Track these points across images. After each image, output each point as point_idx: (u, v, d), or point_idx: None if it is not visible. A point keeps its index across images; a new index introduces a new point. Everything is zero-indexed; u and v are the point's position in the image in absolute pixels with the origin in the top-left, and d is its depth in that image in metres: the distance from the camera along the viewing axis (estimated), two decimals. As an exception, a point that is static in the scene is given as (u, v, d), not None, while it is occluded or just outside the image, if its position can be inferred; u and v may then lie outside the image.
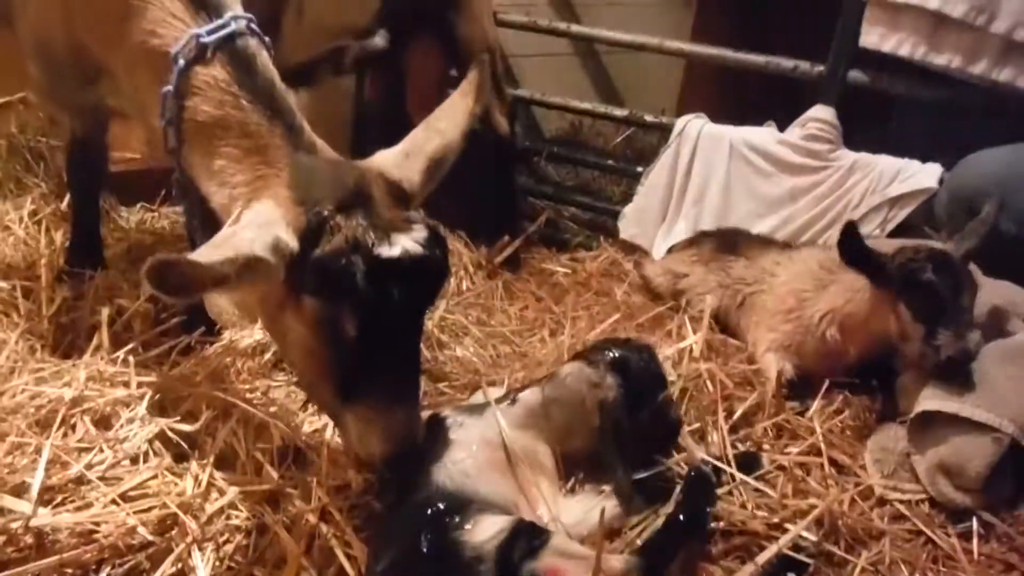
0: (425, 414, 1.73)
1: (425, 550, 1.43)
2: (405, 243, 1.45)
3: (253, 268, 1.36)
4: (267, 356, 2.22)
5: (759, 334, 2.46)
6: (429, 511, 1.50)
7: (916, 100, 2.80)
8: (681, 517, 1.62)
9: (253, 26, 1.62)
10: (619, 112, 3.47)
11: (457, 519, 1.46)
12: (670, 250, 3.08)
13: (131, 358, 1.93)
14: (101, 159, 2.45)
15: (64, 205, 2.88)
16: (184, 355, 2.14)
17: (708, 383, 2.19)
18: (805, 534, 1.67)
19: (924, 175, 2.73)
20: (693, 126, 3.13)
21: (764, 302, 2.51)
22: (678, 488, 1.73)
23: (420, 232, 1.48)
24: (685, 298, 2.80)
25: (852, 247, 2.09)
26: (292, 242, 1.43)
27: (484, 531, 1.43)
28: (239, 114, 1.55)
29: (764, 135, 3.03)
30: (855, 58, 2.81)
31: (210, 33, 1.56)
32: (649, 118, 3.33)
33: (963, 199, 2.47)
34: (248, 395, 2.07)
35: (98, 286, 2.39)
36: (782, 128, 3.02)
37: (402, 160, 1.62)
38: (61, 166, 3.09)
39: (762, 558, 1.59)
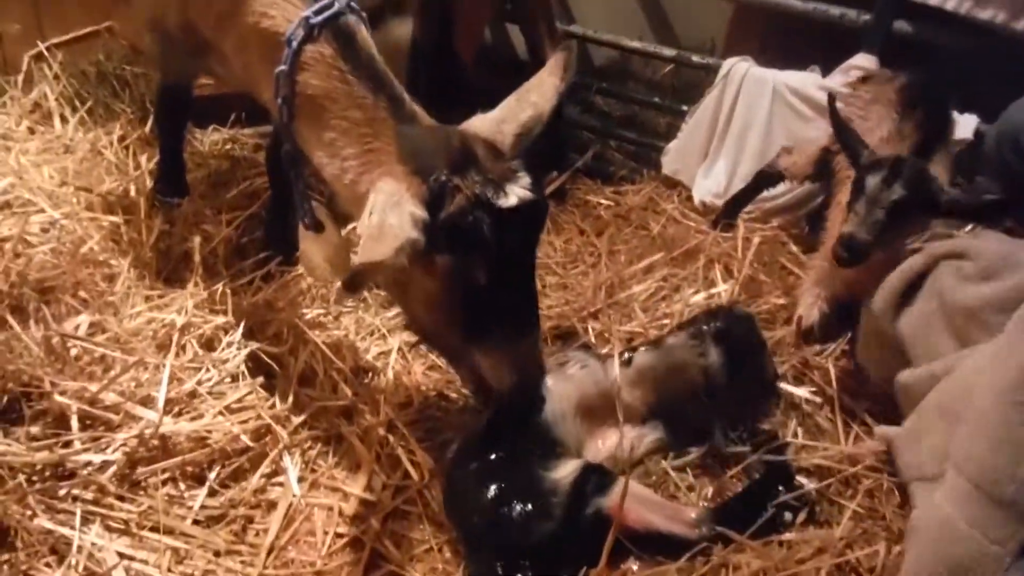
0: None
1: (512, 472, 1.68)
2: (517, 191, 1.59)
3: (412, 248, 1.49)
4: (337, 284, 2.49)
5: (815, 259, 2.50)
6: (522, 441, 1.75)
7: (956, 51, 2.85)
8: (758, 491, 1.83)
9: (353, 4, 1.74)
10: (668, 52, 3.56)
11: (542, 453, 1.72)
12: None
13: (228, 289, 2.20)
14: (188, 103, 2.63)
15: (147, 129, 3.11)
16: (265, 281, 2.39)
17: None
18: (805, 481, 1.88)
19: (960, 125, 2.82)
20: (738, 69, 3.22)
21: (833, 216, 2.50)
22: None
23: (526, 179, 1.63)
24: None
25: (833, 115, 2.26)
26: (422, 212, 1.55)
27: (563, 469, 1.69)
28: (345, 87, 1.66)
29: (807, 79, 3.11)
30: (901, 8, 2.87)
31: (317, 14, 1.67)
32: (696, 59, 3.42)
33: (1010, 136, 2.53)
34: (322, 319, 2.35)
35: (186, 214, 2.63)
36: (825, 73, 3.11)
37: (497, 126, 1.74)
38: (144, 92, 3.33)
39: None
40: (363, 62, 1.69)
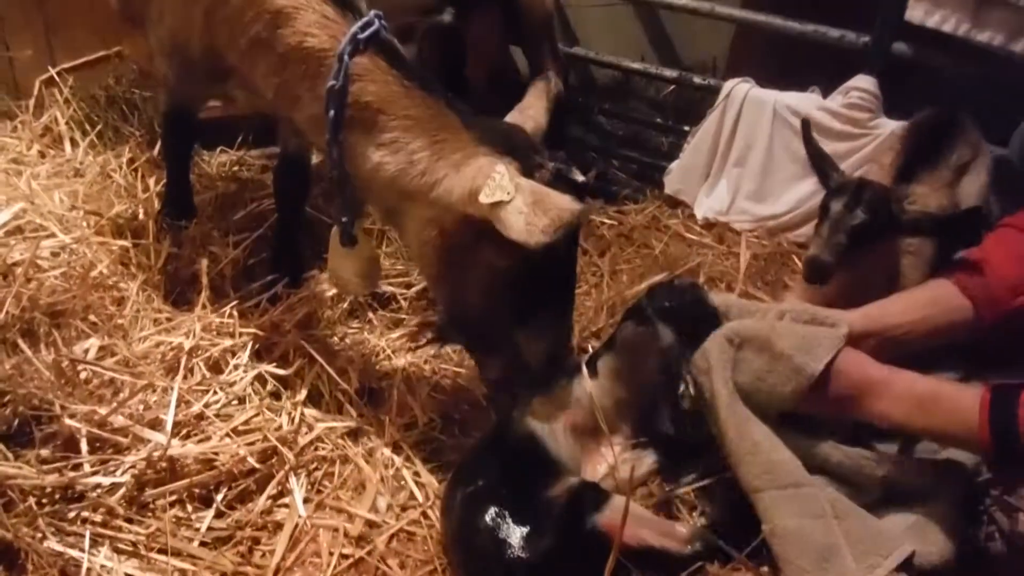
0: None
1: (508, 492, 1.69)
2: (577, 173, 1.73)
3: None
4: (343, 306, 2.53)
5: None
6: (517, 462, 1.78)
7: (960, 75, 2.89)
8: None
9: (383, 22, 1.82)
10: (670, 72, 3.60)
11: (538, 472, 1.75)
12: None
13: (235, 312, 2.23)
14: (194, 127, 2.66)
15: (156, 152, 3.16)
16: (272, 303, 2.40)
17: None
18: None
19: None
20: (739, 90, 3.27)
21: None
22: None
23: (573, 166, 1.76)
24: None
25: (807, 139, 2.35)
26: None
27: (559, 487, 1.71)
28: (402, 90, 1.75)
29: (807, 100, 3.16)
30: (900, 30, 2.90)
31: (363, 30, 1.76)
32: (697, 80, 3.47)
33: None
34: (328, 340, 2.38)
35: (194, 236, 2.65)
36: (825, 95, 3.14)
37: None
38: (153, 115, 3.37)
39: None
40: (411, 69, 1.80)
